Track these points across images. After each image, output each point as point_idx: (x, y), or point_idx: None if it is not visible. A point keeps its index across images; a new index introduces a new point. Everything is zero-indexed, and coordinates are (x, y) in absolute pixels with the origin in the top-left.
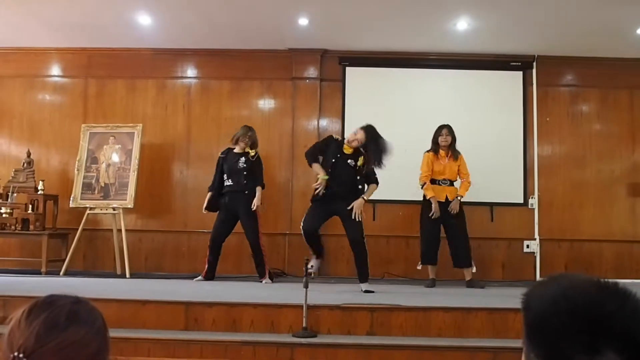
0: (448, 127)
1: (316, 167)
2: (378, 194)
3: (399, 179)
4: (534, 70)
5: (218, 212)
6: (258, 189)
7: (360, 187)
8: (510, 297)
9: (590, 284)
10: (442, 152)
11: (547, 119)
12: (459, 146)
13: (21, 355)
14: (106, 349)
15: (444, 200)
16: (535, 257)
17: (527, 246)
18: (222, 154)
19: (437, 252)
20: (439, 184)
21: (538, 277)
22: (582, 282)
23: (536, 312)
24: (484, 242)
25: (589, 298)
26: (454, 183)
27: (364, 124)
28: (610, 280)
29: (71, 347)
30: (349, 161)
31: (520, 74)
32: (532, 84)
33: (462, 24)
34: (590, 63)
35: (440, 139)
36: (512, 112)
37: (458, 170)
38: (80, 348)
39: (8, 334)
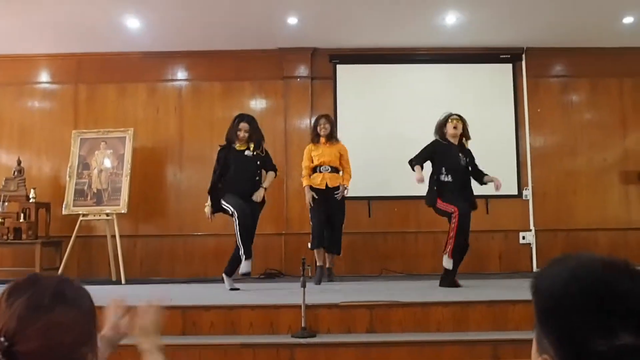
0: (326, 116)
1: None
2: (372, 190)
3: (392, 175)
4: (524, 62)
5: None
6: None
7: (257, 178)
8: (509, 289)
9: (597, 261)
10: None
11: (539, 109)
12: None
13: (2, 339)
14: (95, 330)
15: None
16: (531, 248)
17: (523, 237)
18: None
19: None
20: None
21: (535, 268)
22: (589, 260)
23: (546, 295)
24: (480, 235)
25: (597, 276)
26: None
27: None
28: (616, 257)
29: (58, 328)
30: (246, 152)
31: (510, 66)
32: (522, 76)
33: (451, 18)
34: (578, 53)
35: (318, 128)
36: (504, 104)
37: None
38: (69, 329)
39: None
